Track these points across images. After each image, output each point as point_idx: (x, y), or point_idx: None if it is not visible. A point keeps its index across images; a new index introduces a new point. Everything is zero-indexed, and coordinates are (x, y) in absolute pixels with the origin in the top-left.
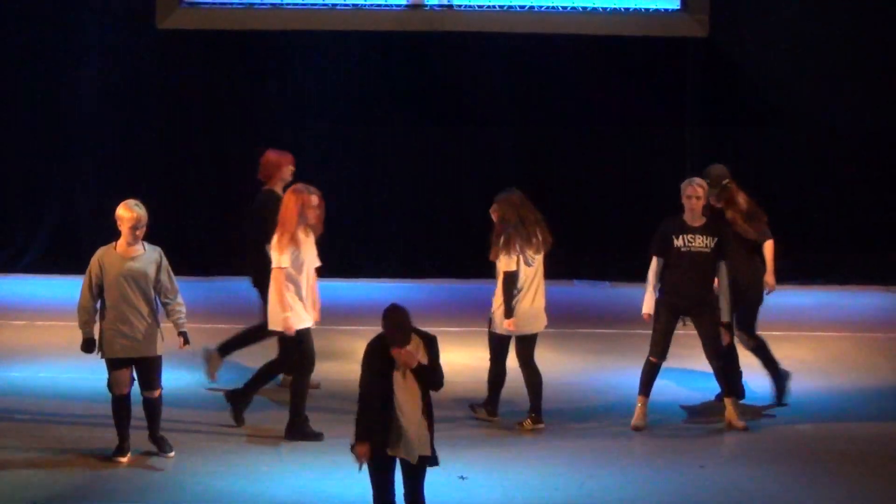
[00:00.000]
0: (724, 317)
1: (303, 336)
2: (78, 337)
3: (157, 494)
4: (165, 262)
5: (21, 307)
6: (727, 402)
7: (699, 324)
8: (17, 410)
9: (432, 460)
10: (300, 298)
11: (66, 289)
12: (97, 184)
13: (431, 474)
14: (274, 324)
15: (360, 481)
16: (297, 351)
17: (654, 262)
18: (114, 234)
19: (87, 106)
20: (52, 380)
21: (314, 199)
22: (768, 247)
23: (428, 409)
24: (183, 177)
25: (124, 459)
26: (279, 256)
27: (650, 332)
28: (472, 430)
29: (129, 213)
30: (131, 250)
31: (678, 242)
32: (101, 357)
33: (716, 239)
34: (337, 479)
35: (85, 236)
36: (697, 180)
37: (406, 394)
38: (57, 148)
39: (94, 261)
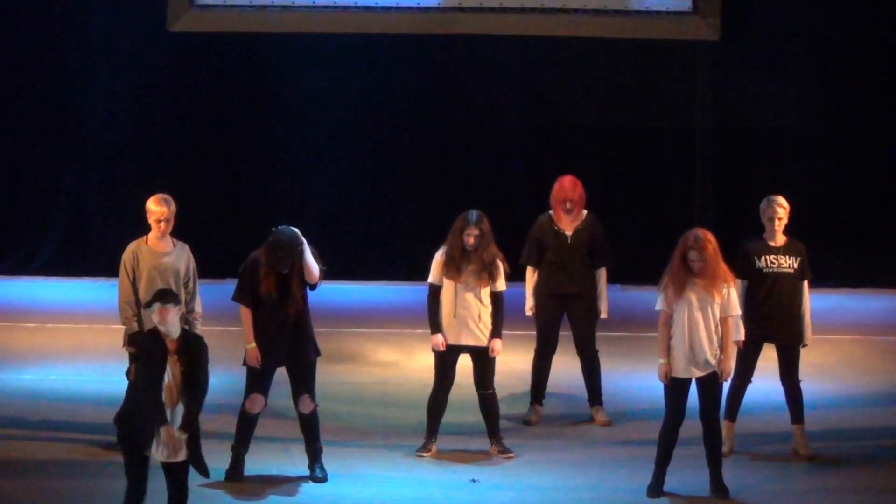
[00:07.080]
0: (806, 339)
1: None
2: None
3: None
4: (193, 262)
5: (31, 310)
6: (795, 428)
7: (782, 348)
8: (27, 413)
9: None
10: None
11: (77, 291)
12: (107, 186)
13: (443, 477)
14: None
15: (369, 484)
16: None
17: (737, 285)
18: (124, 234)
19: (98, 108)
20: (62, 382)
21: None
22: None
23: None
24: (194, 179)
25: None
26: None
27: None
28: (483, 435)
29: (157, 207)
30: (162, 245)
31: (761, 263)
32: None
33: (799, 259)
34: (347, 482)
35: (95, 239)
36: (778, 199)
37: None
38: (67, 151)
39: (127, 254)
